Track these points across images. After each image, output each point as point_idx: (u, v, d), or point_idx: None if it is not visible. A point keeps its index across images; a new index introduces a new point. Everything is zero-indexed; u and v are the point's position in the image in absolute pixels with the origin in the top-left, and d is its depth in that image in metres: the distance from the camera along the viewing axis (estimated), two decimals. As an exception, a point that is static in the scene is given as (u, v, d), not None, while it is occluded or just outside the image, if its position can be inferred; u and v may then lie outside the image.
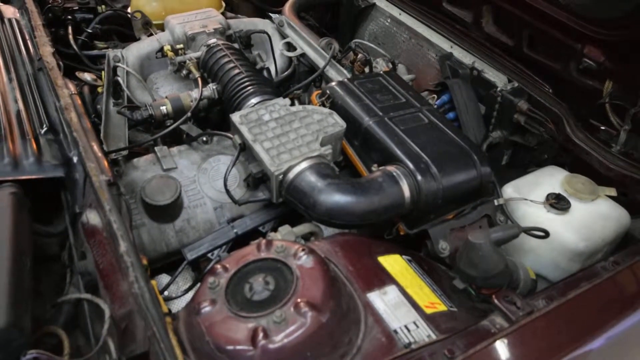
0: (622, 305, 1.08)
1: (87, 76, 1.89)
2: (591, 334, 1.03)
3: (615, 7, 1.62)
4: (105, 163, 1.24)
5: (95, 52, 2.21)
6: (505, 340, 0.98)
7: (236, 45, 1.96)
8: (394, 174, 1.40)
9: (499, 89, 1.87)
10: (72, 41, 2.12)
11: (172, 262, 1.59)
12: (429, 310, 1.16)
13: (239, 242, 1.56)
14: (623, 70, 1.72)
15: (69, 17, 2.25)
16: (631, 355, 1.17)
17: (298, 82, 2.05)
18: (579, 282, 1.14)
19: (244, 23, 2.13)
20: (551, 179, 1.60)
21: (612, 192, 1.55)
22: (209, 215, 1.61)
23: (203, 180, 1.65)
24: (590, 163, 1.66)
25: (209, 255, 1.55)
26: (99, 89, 1.94)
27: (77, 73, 1.91)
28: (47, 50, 1.54)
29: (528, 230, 1.33)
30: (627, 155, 1.66)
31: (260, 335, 0.97)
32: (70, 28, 2.18)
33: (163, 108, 1.71)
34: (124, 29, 2.37)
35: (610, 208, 1.53)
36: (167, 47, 1.88)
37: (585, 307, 1.08)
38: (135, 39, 2.21)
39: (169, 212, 1.54)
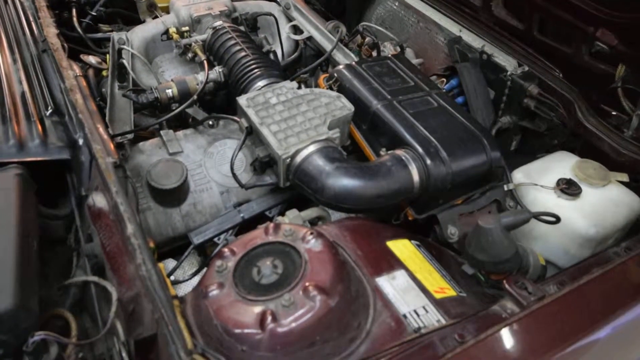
0: (635, 291, 1.07)
1: (92, 59, 1.87)
2: (603, 320, 1.02)
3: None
4: (112, 145, 1.22)
5: (99, 35, 2.18)
6: (516, 326, 0.96)
7: (242, 28, 1.94)
8: (403, 158, 1.39)
9: (508, 73, 1.83)
10: (76, 24, 2.10)
11: (178, 246, 1.58)
12: (438, 295, 1.15)
13: (245, 226, 1.55)
14: (636, 53, 1.69)
15: (73, -1, 2.22)
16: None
17: (305, 66, 2.03)
18: (591, 267, 1.13)
19: (250, 5, 2.10)
20: (561, 165, 1.58)
21: (624, 177, 1.53)
22: (215, 199, 1.60)
23: (209, 165, 1.63)
24: (601, 148, 1.63)
25: (216, 239, 1.54)
26: (104, 73, 1.92)
27: (81, 56, 1.88)
28: (51, 32, 1.52)
29: (539, 216, 1.31)
30: (639, 140, 1.64)
31: (269, 318, 0.96)
32: (74, 10, 2.15)
33: (169, 91, 1.69)
34: (128, 12, 2.34)
35: (622, 194, 1.51)
36: (172, 30, 1.86)
37: (597, 292, 1.06)
38: (140, 23, 2.18)
39: (175, 196, 1.53)
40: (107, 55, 1.90)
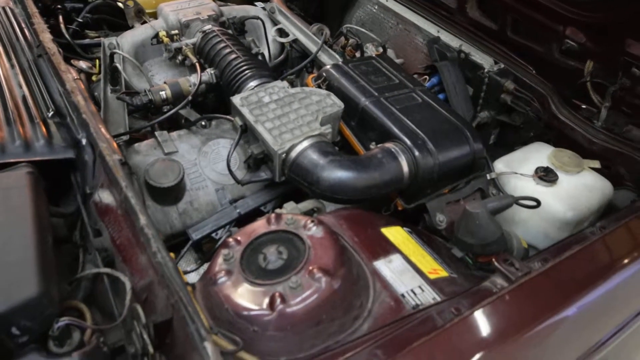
0: (612, 263, 1.16)
1: (83, 64, 1.90)
2: (584, 291, 1.11)
3: (596, -12, 1.71)
4: (115, 144, 1.27)
5: (87, 41, 2.21)
6: (507, 297, 1.04)
7: (230, 32, 1.99)
8: (393, 150, 1.46)
9: (485, 70, 1.94)
10: (63, 30, 2.12)
11: (175, 244, 1.63)
12: (432, 276, 1.22)
13: (241, 222, 1.60)
14: (603, 50, 1.81)
15: (59, 6, 2.24)
16: (621, 307, 1.25)
17: (291, 67, 2.10)
18: (571, 245, 1.22)
19: (236, 10, 2.16)
20: (539, 154, 1.68)
21: (596, 164, 1.64)
22: (211, 197, 1.65)
23: (204, 164, 1.68)
24: (574, 138, 1.74)
25: (213, 235, 1.59)
26: (94, 77, 1.96)
27: (72, 61, 1.91)
28: (47, 37, 1.55)
29: (521, 200, 1.40)
30: (609, 130, 1.75)
31: (278, 300, 1.02)
32: (61, 17, 2.18)
33: (162, 93, 1.73)
34: (114, 19, 2.37)
35: (595, 179, 1.61)
36: (162, 33, 1.90)
37: (578, 266, 1.15)
38: (126, 29, 2.22)
39: (172, 194, 1.58)
40: (97, 61, 1.93)
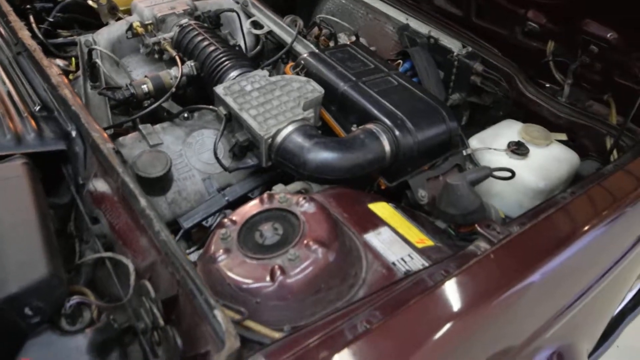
0: (583, 223, 1.26)
1: (59, 62, 1.90)
2: (561, 248, 1.20)
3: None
4: (105, 135, 1.29)
5: (61, 40, 2.20)
6: (491, 256, 1.12)
7: (207, 25, 2.02)
8: (374, 130, 1.53)
9: (455, 54, 2.02)
10: (36, 30, 2.11)
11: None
12: (419, 245, 1.29)
13: (230, 209, 1.64)
14: (562, 30, 1.92)
15: (28, 6, 2.23)
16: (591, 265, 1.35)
17: (267, 58, 2.14)
18: (545, 209, 1.31)
19: (210, 4, 2.18)
20: (510, 130, 1.78)
21: (563, 136, 1.74)
22: (198, 186, 1.68)
23: (189, 154, 1.71)
24: (541, 114, 1.85)
25: (204, 223, 1.62)
26: (71, 76, 1.96)
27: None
28: (25, 34, 1.55)
29: (497, 171, 1.48)
30: (572, 105, 1.86)
31: (278, 272, 1.07)
32: (31, 17, 2.16)
33: (144, 87, 1.75)
34: (85, 17, 2.37)
35: (563, 151, 1.72)
36: (136, 24, 1.91)
37: (553, 226, 1.24)
38: (97, 28, 2.21)
39: (161, 184, 1.60)
40: (73, 59, 1.93)
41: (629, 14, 1.67)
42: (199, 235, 1.68)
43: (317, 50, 1.83)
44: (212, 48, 1.83)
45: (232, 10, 2.09)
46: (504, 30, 2.14)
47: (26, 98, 1.37)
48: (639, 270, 1.77)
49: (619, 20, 1.70)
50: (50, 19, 2.26)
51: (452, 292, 1.05)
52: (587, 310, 1.41)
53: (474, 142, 1.75)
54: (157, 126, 1.75)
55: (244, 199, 1.68)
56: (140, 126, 1.71)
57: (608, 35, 1.75)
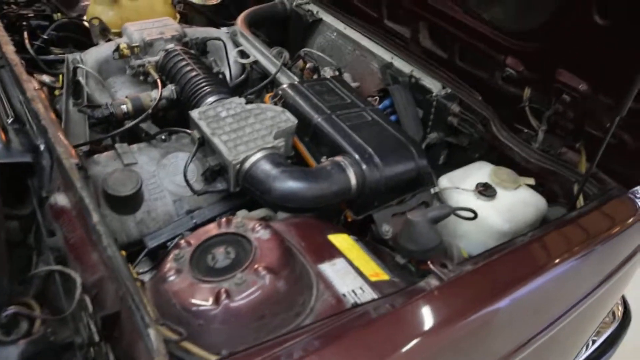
0: (537, 265, 1.27)
1: (46, 78, 1.95)
2: (513, 286, 1.20)
3: (526, 21, 1.87)
4: (72, 150, 1.32)
5: (51, 56, 2.26)
6: (436, 293, 1.13)
7: (193, 51, 2.08)
8: (342, 163, 1.55)
9: (434, 94, 2.07)
10: (28, 45, 2.17)
11: (131, 252, 1.66)
12: (373, 279, 1.30)
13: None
14: (538, 77, 1.97)
15: (24, 23, 2.29)
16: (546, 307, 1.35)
17: (251, 87, 2.19)
18: (501, 249, 1.32)
19: (199, 32, 2.25)
20: (480, 171, 1.80)
21: (531, 181, 1.76)
22: (168, 207, 1.70)
23: (162, 175, 1.73)
24: (512, 158, 1.87)
25: (169, 244, 1.63)
26: (57, 92, 2.00)
27: (35, 75, 1.96)
28: (9, 49, 1.60)
29: (459, 210, 1.50)
30: (545, 152, 1.89)
31: (223, 295, 1.08)
32: (26, 33, 2.22)
33: (124, 107, 1.79)
34: (80, 37, 2.43)
35: (530, 195, 1.74)
36: (123, 45, 1.96)
37: (504, 266, 1.25)
38: (91, 46, 2.28)
39: (130, 203, 1.62)
40: (60, 76, 1.98)
41: (597, 67, 1.71)
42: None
43: (296, 82, 1.87)
44: (193, 73, 1.88)
45: (218, 39, 2.15)
46: (484, 74, 2.19)
47: (0, 110, 1.40)
48: (599, 317, 1.76)
49: (588, 72, 1.74)
50: (45, 36, 2.32)
51: (393, 325, 1.06)
52: (540, 354, 1.41)
53: (444, 181, 1.78)
54: (134, 146, 1.79)
55: (211, 222, 1.69)
56: (117, 145, 1.74)
57: (579, 86, 1.79)
